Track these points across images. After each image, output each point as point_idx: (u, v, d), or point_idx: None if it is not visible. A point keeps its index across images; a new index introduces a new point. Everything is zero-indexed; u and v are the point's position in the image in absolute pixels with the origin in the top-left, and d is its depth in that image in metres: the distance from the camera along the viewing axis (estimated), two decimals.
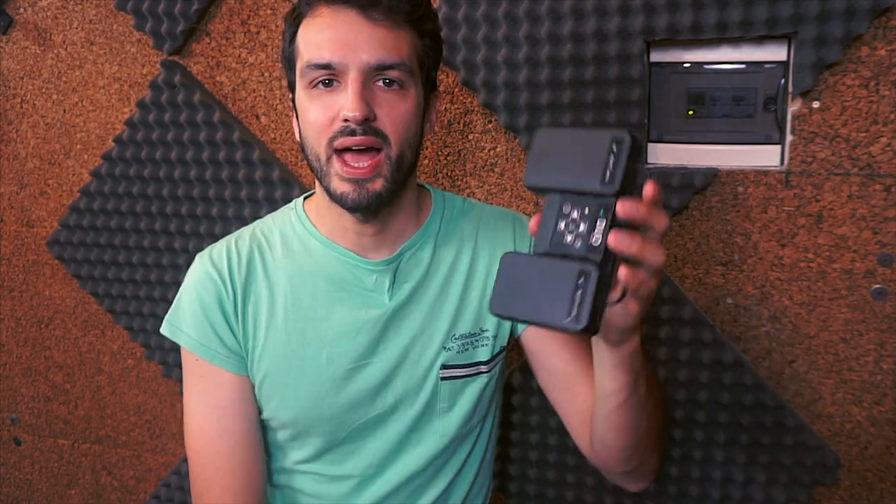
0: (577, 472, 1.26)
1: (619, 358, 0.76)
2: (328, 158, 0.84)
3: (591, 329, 0.61)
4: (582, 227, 0.63)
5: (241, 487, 0.93)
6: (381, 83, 0.83)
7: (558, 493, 1.28)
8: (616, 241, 0.61)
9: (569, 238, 0.64)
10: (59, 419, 1.61)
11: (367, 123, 0.81)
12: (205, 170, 1.35)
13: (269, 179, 1.32)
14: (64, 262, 1.51)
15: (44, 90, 1.47)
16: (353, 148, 0.82)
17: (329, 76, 0.82)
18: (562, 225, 0.64)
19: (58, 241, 1.50)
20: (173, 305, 0.96)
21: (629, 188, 0.64)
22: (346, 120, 0.81)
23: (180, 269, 1.40)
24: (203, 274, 0.93)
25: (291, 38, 0.87)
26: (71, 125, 1.47)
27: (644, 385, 0.80)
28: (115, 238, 1.44)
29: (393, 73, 0.83)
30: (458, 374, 0.96)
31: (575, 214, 0.64)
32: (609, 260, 0.63)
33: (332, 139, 0.82)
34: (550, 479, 1.27)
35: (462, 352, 0.96)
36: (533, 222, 0.66)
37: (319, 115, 0.83)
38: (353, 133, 0.81)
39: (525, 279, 0.64)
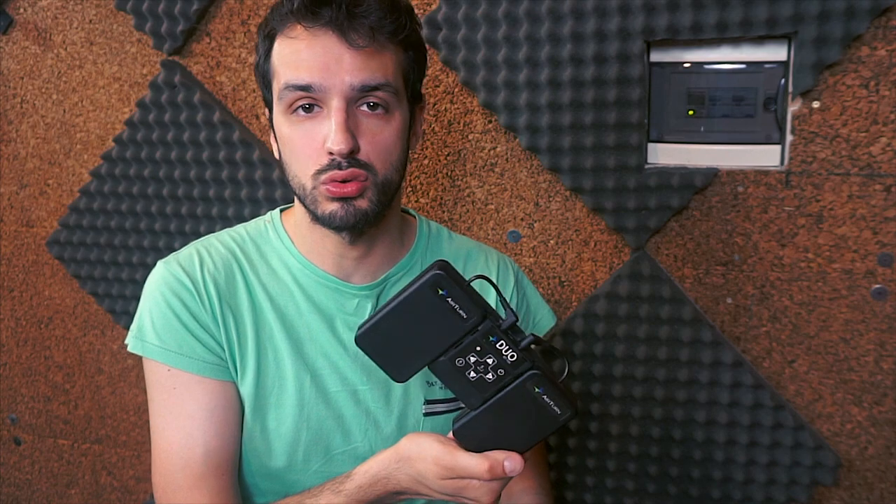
0: (576, 473, 1.26)
1: None
2: (314, 187, 0.80)
3: (576, 406, 0.64)
4: (491, 360, 0.64)
5: (223, 486, 0.85)
6: (364, 107, 0.79)
7: (558, 493, 1.28)
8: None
9: (491, 376, 0.64)
10: (59, 419, 1.61)
11: (352, 156, 0.78)
12: (205, 170, 1.35)
13: (269, 179, 1.32)
14: (64, 262, 1.51)
15: (44, 90, 1.47)
16: (339, 179, 0.79)
17: (309, 101, 0.78)
18: (472, 374, 0.64)
19: (58, 241, 1.50)
20: (135, 320, 0.86)
21: (480, 300, 0.64)
22: (330, 153, 0.77)
23: None
24: (171, 279, 0.85)
25: (266, 54, 0.82)
26: (71, 125, 1.47)
27: None
28: (115, 238, 1.44)
29: (378, 94, 0.78)
30: (441, 410, 0.92)
31: (473, 359, 0.64)
32: (535, 359, 0.64)
33: (319, 172, 0.79)
34: (550, 480, 1.27)
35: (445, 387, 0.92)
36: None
37: (303, 145, 0.79)
38: (339, 167, 0.78)
39: (496, 426, 0.64)
